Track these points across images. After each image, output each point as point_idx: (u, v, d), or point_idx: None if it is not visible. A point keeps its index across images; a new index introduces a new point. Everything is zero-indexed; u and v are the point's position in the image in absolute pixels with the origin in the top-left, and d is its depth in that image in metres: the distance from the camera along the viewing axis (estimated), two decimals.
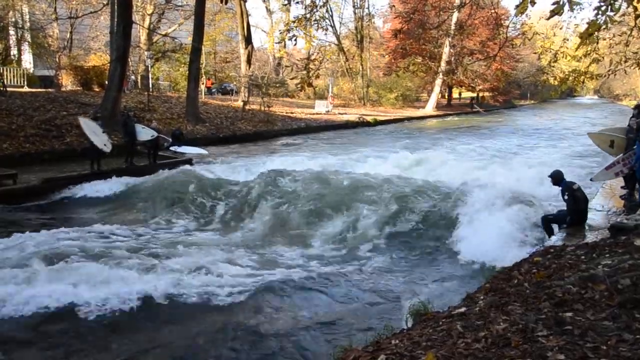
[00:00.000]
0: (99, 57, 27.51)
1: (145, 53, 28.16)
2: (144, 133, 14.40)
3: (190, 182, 12.48)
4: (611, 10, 5.57)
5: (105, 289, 6.59)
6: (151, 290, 6.69)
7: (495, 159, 16.44)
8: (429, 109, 44.03)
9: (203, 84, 29.64)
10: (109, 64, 20.50)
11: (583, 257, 5.42)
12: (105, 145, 13.44)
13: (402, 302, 6.83)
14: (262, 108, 27.20)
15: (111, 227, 9.87)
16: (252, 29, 35.98)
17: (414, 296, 6.86)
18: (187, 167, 14.61)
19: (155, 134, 14.64)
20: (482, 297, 4.64)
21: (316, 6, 8.65)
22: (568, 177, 8.29)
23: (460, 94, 62.63)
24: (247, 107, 27.36)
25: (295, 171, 12.65)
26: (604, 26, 5.52)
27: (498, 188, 10.70)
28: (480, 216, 9.64)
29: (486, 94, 58.62)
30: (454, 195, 10.62)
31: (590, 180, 10.22)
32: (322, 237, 9.73)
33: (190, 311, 6.50)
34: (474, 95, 58.11)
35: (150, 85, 27.09)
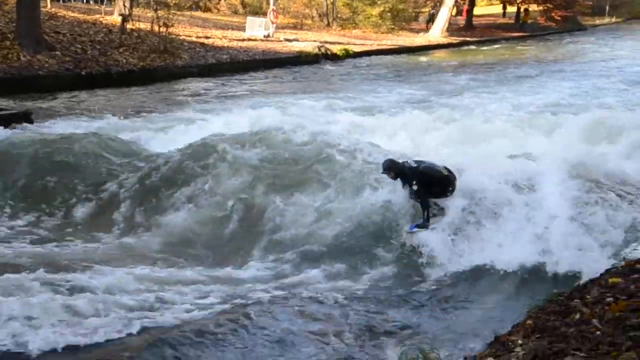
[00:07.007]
0: None
1: None
2: None
3: (33, 153, 9.10)
4: None
5: None
6: None
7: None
8: (436, 33, 33.98)
9: None
10: None
11: None
12: None
13: (387, 344, 4.64)
14: (156, 28, 19.96)
15: None
16: None
17: (407, 335, 4.77)
18: (27, 126, 10.80)
19: None
20: (520, 342, 3.68)
21: None
22: None
23: (505, 6, 49.96)
24: (128, 25, 20.11)
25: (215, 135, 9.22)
26: None
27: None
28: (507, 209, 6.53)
29: (534, 7, 43.62)
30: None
31: None
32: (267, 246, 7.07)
33: None
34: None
35: None
